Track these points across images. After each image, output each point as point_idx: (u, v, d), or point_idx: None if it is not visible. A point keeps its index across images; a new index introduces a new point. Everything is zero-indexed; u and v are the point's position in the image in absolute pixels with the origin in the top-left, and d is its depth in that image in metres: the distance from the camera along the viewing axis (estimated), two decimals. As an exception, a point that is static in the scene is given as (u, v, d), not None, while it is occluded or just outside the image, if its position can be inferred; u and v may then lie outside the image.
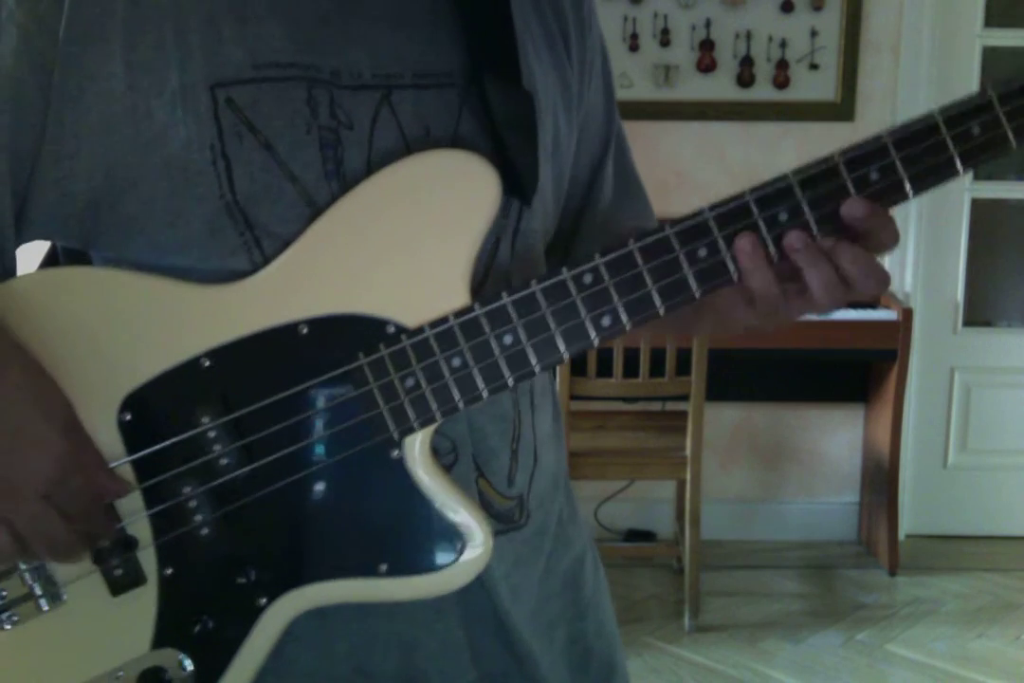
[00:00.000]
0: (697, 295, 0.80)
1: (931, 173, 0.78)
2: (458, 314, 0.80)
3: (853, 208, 0.77)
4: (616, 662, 1.05)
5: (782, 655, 2.97)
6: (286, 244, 0.81)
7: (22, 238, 0.82)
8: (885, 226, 0.78)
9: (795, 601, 3.31)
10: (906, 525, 3.75)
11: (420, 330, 0.80)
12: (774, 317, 0.83)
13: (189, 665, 0.82)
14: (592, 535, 1.09)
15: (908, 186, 0.78)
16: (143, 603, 0.82)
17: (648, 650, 2.97)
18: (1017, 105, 0.77)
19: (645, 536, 3.70)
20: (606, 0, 3.51)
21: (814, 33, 3.55)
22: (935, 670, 2.89)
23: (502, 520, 0.92)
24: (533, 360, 0.81)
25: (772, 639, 3.06)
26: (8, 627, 0.81)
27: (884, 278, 0.79)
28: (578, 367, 2.96)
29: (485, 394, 0.81)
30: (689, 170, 3.57)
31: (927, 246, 3.64)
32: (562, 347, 0.80)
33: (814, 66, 3.56)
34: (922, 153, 0.77)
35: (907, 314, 3.29)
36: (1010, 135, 0.77)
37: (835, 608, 3.26)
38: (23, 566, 0.81)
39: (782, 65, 3.56)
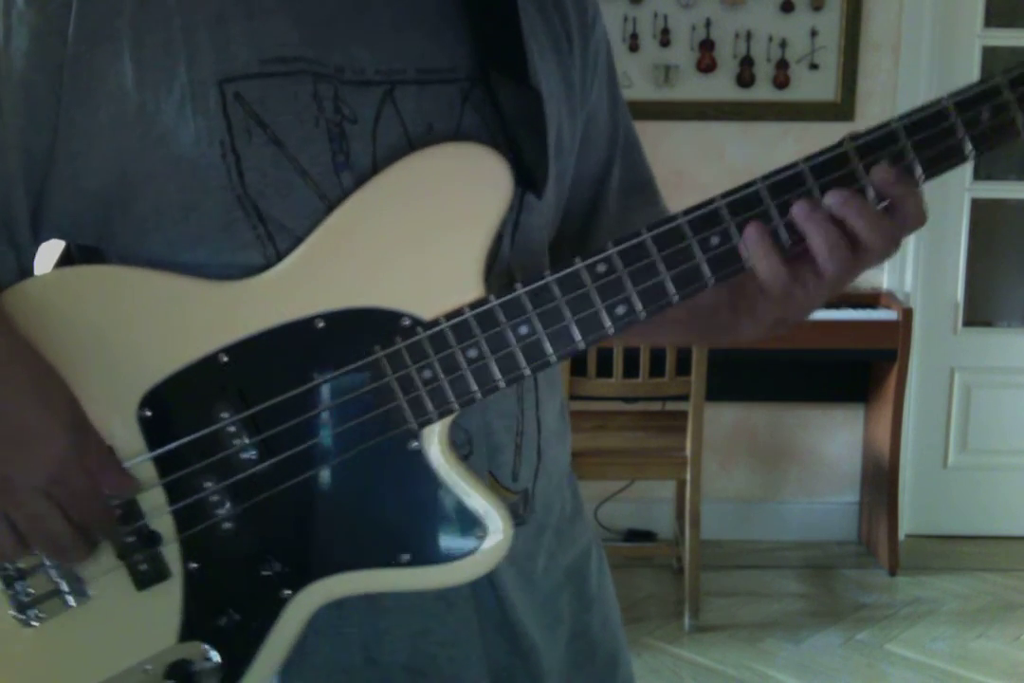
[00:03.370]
0: (710, 283, 0.80)
1: (942, 158, 0.78)
2: (473, 306, 0.81)
3: (882, 173, 0.77)
4: (620, 656, 1.06)
5: (782, 655, 2.97)
6: (299, 240, 0.81)
7: (39, 238, 0.83)
8: (911, 196, 0.78)
9: (795, 601, 3.31)
10: (906, 525, 3.75)
11: (436, 322, 0.81)
12: (794, 306, 0.83)
13: (215, 657, 0.82)
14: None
15: (919, 171, 0.78)
16: (168, 597, 0.82)
17: (648, 650, 2.97)
18: None
19: (645, 536, 3.70)
20: (606, 0, 3.51)
21: (814, 33, 3.55)
22: (935, 670, 2.89)
23: None
24: (549, 350, 0.81)
25: (772, 639, 3.05)
26: (35, 624, 0.82)
27: (890, 233, 0.78)
28: (578, 367, 2.96)
29: (503, 384, 0.81)
30: (689, 170, 3.56)
31: (927, 246, 3.64)
32: (578, 336, 0.81)
33: (814, 66, 3.56)
34: (932, 138, 0.78)
35: (907, 314, 3.30)
36: (1019, 120, 0.77)
37: (835, 608, 3.26)
38: (48, 562, 0.81)
39: (782, 65, 3.56)
